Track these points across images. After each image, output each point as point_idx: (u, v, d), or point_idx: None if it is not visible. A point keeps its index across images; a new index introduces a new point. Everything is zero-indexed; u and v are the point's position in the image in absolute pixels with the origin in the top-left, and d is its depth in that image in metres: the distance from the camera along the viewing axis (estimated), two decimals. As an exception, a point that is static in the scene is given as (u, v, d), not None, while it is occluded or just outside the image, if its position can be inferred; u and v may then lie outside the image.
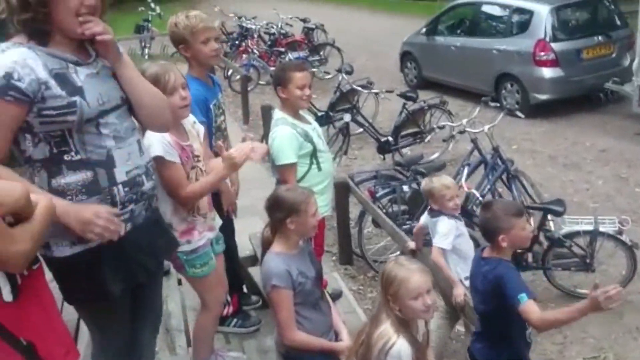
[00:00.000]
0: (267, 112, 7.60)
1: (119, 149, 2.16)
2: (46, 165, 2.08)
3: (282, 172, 3.50)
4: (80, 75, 2.07)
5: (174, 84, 2.72)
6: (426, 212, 3.85)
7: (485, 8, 10.43)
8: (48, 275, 2.08)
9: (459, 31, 10.74)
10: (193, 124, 2.99)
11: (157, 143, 2.64)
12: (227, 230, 3.51)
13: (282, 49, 12.41)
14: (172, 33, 3.32)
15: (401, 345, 2.42)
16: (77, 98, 2.03)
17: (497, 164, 5.50)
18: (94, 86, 2.10)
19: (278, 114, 3.64)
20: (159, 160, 2.61)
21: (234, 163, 2.69)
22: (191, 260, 2.92)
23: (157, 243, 2.40)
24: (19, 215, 1.32)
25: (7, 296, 1.66)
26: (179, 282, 4.26)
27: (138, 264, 2.30)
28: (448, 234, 3.59)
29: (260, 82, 11.62)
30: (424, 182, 3.85)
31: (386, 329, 2.46)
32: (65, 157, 2.08)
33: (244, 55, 12.55)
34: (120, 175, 2.16)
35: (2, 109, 1.93)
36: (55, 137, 2.05)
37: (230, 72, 11.62)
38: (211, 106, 3.35)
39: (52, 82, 1.99)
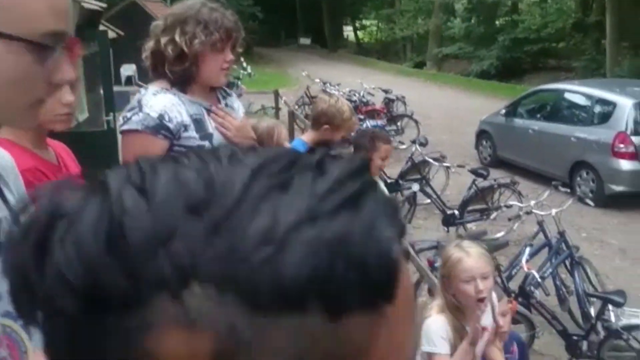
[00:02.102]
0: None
1: None
2: None
3: None
4: (212, 123, 2.40)
5: (285, 138, 3.08)
6: None
7: (568, 95, 10.48)
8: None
9: (538, 115, 10.78)
10: None
11: None
12: None
13: (361, 117, 12.74)
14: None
15: (435, 320, 2.40)
16: (206, 142, 2.35)
17: (561, 249, 5.46)
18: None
19: None
20: None
21: None
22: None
23: None
24: None
25: None
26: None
27: None
28: None
29: (337, 145, 11.94)
30: None
31: (432, 305, 2.47)
32: None
33: (324, 119, 12.93)
34: None
35: (155, 143, 2.27)
36: None
37: (308, 133, 12.02)
38: None
39: (192, 126, 2.32)
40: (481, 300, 2.36)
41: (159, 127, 2.25)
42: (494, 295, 2.68)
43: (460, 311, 2.41)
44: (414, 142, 8.80)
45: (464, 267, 2.38)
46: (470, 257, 2.41)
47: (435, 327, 2.41)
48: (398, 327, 0.40)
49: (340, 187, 0.39)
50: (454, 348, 2.43)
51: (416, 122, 12.88)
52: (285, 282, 0.35)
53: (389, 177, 8.33)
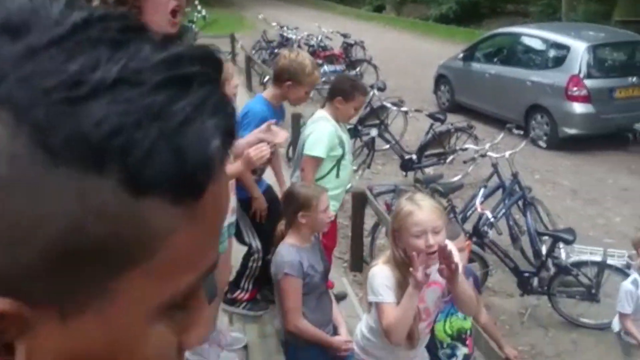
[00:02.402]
0: (296, 121, 7.80)
1: None
2: None
3: (306, 162, 3.64)
4: None
5: (225, 75, 2.99)
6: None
7: (524, 39, 10.58)
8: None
9: (495, 59, 10.85)
10: None
11: None
12: (264, 231, 3.69)
13: (320, 61, 12.61)
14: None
15: (381, 269, 2.39)
16: None
17: (514, 190, 5.59)
18: None
19: (321, 112, 3.81)
20: None
21: (249, 160, 2.83)
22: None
23: None
24: None
25: None
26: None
27: None
28: None
29: (295, 91, 11.84)
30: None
31: (380, 257, 2.48)
32: None
33: (282, 64, 12.77)
34: None
35: None
36: None
37: (266, 78, 11.87)
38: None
39: None
40: (431, 254, 2.30)
41: None
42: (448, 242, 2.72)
43: (407, 267, 2.35)
44: (372, 86, 8.78)
45: (415, 221, 2.30)
46: (422, 210, 2.32)
47: (380, 276, 2.41)
48: (201, 229, 0.39)
49: (176, 63, 0.37)
50: (397, 300, 2.41)
51: (375, 67, 12.83)
52: (84, 131, 0.33)
53: (348, 123, 8.33)
